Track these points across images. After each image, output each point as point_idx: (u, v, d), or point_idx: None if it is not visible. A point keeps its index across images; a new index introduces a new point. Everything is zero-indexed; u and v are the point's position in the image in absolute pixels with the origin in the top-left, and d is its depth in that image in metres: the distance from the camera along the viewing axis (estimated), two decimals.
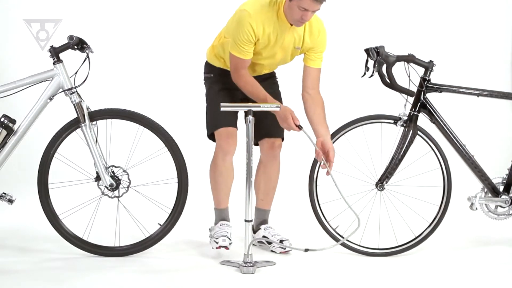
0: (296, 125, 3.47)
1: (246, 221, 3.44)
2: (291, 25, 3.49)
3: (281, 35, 3.52)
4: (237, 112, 3.73)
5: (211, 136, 3.74)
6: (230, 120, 3.68)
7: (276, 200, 3.93)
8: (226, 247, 3.57)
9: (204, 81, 3.83)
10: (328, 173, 3.51)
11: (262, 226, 3.84)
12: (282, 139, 3.80)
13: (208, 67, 3.79)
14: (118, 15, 5.84)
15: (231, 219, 3.81)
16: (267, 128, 3.72)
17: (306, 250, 3.48)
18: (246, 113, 3.49)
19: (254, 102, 3.57)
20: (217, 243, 3.58)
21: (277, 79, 3.87)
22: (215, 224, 3.76)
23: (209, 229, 3.77)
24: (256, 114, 3.48)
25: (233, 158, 3.71)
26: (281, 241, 3.74)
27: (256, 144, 3.78)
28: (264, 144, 3.78)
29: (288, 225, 4.20)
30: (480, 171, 3.70)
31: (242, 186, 3.48)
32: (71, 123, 3.58)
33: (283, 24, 3.49)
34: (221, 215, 3.77)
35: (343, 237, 3.71)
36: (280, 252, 3.73)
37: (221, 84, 3.71)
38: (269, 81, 3.78)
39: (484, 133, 5.78)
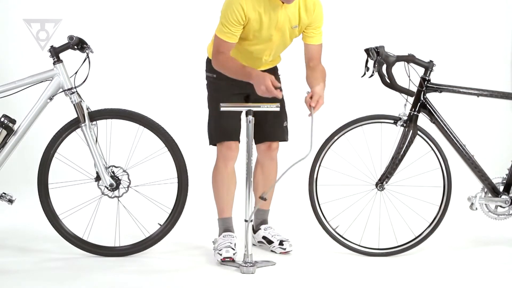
0: (276, 88, 3.36)
1: (246, 221, 3.44)
2: (283, 3, 3.41)
3: (274, 14, 3.43)
4: (240, 120, 3.66)
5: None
6: (235, 133, 3.63)
7: (276, 200, 3.93)
8: (230, 258, 3.50)
9: (206, 81, 3.75)
10: (310, 115, 3.44)
11: (262, 226, 3.84)
12: (286, 140, 3.79)
13: (211, 65, 3.67)
14: (118, 15, 5.84)
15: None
16: (266, 132, 3.70)
17: (262, 198, 3.40)
18: (247, 113, 3.46)
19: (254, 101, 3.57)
20: (221, 254, 3.51)
21: (279, 76, 3.81)
22: (219, 235, 3.68)
23: (213, 242, 3.67)
24: (256, 117, 3.46)
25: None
26: (281, 242, 3.74)
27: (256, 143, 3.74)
28: (262, 146, 3.75)
29: (288, 225, 4.20)
30: (480, 171, 3.70)
31: (242, 186, 3.48)
32: (71, 123, 3.58)
33: (274, 2, 3.41)
34: (225, 225, 3.69)
35: (341, 236, 3.70)
36: (280, 253, 3.73)
37: (223, 93, 3.61)
38: None
39: (484, 133, 5.78)
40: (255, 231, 3.82)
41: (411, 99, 3.64)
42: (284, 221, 4.24)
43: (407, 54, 3.61)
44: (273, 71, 3.75)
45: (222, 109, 3.45)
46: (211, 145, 3.70)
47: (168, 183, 3.68)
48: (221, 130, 3.62)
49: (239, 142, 3.66)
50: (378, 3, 5.95)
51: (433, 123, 3.66)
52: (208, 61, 3.72)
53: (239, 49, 3.58)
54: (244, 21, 3.43)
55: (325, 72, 3.60)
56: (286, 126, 3.77)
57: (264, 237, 3.80)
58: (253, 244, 3.68)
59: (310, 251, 3.77)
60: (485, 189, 3.72)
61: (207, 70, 3.74)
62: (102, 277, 3.32)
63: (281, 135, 3.75)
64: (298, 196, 4.45)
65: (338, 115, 4.20)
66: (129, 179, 3.60)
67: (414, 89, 3.64)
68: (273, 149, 3.76)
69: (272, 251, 3.76)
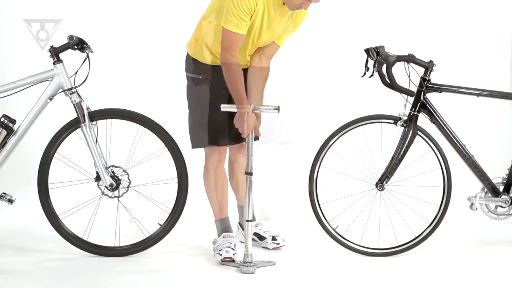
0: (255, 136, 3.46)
1: (246, 221, 3.44)
2: (284, 4, 3.35)
3: (273, 13, 3.37)
4: (226, 124, 3.58)
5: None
6: (223, 138, 3.59)
7: (276, 200, 3.93)
8: (230, 258, 3.49)
9: (187, 82, 3.62)
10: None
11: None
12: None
13: (195, 66, 3.57)
14: (118, 15, 5.83)
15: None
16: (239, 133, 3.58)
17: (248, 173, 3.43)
18: None
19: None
20: (221, 255, 3.51)
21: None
22: (218, 236, 3.67)
23: (213, 242, 3.66)
24: (232, 118, 3.44)
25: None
26: (273, 237, 3.75)
27: (228, 144, 3.68)
28: (236, 145, 3.71)
29: (288, 225, 4.20)
30: (480, 171, 3.70)
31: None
32: (71, 123, 3.58)
33: (276, 1, 3.35)
34: (223, 226, 3.68)
35: (341, 236, 3.70)
36: (273, 248, 3.73)
37: (210, 94, 3.52)
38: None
39: (484, 133, 5.77)
40: (244, 228, 3.80)
41: (411, 99, 3.64)
42: (284, 221, 4.24)
43: (407, 54, 3.61)
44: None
45: (222, 109, 3.44)
46: (193, 149, 3.65)
47: (168, 183, 3.68)
48: (211, 134, 3.57)
49: (227, 146, 3.65)
50: (378, 3, 5.94)
51: (433, 123, 3.66)
52: (193, 62, 3.59)
53: None
54: (255, 9, 3.31)
55: (268, 75, 3.60)
56: None
57: (255, 233, 3.79)
58: (241, 242, 3.69)
59: (310, 251, 3.77)
60: (485, 189, 3.72)
61: (188, 71, 3.62)
62: (102, 277, 3.32)
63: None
64: (298, 196, 4.44)
65: (338, 115, 4.19)
66: (129, 179, 3.61)
67: (414, 89, 3.64)
68: (244, 146, 3.72)
69: (264, 247, 3.76)
